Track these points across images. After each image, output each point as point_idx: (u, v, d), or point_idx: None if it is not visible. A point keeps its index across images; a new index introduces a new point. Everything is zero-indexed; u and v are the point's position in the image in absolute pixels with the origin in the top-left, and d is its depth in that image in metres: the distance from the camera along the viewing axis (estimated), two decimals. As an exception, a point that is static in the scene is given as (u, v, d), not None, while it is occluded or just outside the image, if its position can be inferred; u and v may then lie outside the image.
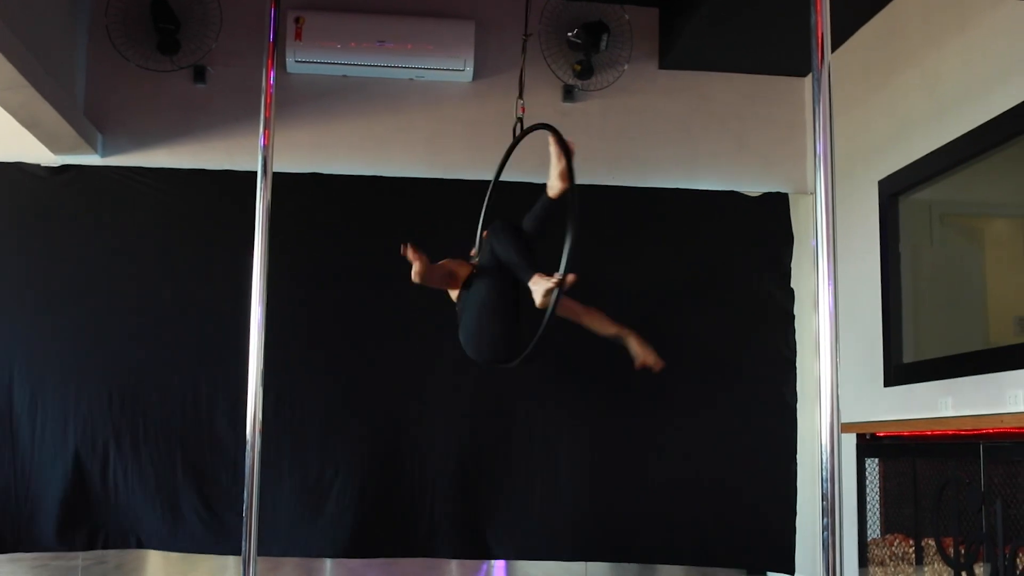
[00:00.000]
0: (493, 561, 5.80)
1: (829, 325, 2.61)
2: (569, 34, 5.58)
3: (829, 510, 2.40)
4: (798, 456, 5.60)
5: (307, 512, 5.32)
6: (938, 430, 4.28)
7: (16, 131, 5.08)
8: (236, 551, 5.18)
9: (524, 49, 4.80)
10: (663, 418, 5.54)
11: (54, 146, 5.30)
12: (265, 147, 3.61)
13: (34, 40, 4.61)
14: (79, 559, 5.38)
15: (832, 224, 2.70)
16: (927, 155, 4.64)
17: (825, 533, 2.40)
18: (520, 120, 4.41)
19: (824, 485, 2.42)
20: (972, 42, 4.36)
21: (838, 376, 2.60)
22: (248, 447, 3.51)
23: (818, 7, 2.82)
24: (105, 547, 5.24)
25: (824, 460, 2.44)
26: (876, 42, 5.16)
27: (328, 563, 5.73)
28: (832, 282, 2.65)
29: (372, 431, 5.40)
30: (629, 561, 5.64)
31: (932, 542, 4.23)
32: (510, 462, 5.46)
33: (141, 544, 5.24)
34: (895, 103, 4.96)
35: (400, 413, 5.42)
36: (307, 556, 5.48)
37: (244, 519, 3.46)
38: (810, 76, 5.83)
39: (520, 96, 4.59)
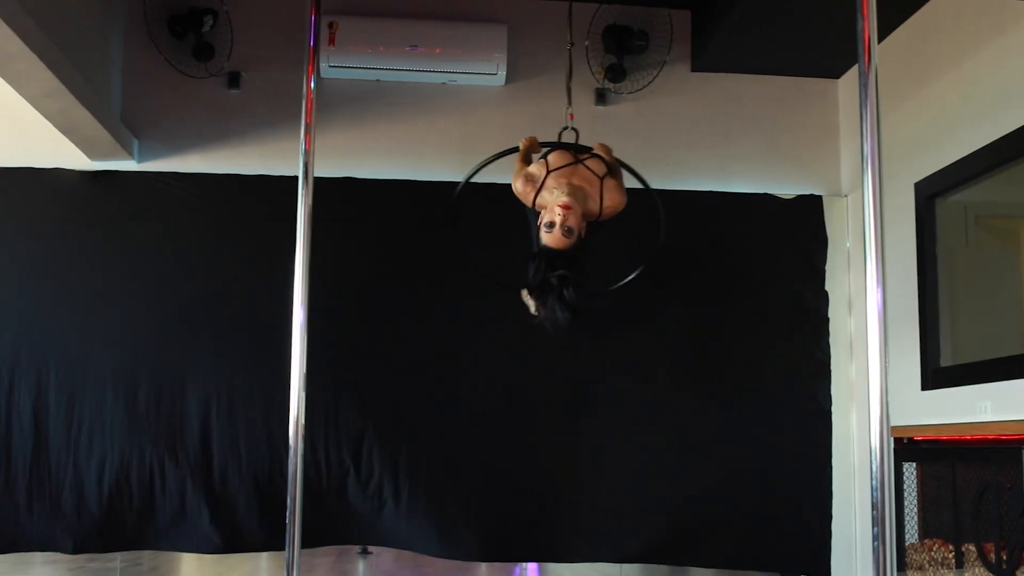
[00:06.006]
0: (526, 565, 5.81)
1: (878, 329, 2.57)
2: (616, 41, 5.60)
3: (880, 519, 2.37)
4: (833, 459, 5.58)
5: (343, 508, 5.34)
6: (977, 434, 4.26)
7: (54, 137, 5.13)
8: (270, 549, 5.30)
9: (570, 58, 4.81)
10: (696, 421, 5.51)
11: (91, 152, 5.35)
12: (307, 152, 3.63)
13: (72, 48, 4.64)
14: (117, 560, 5.43)
15: (880, 226, 2.67)
16: (965, 157, 4.60)
17: (875, 543, 2.37)
18: (574, 130, 4.42)
19: (874, 493, 2.39)
20: (1009, 45, 4.32)
21: (887, 382, 2.56)
22: (291, 451, 3.53)
23: (864, 9, 2.77)
24: (144, 548, 5.28)
25: (874, 468, 2.41)
26: (912, 44, 5.12)
27: (360, 564, 5.76)
28: (881, 285, 2.61)
29: (409, 432, 5.41)
30: (663, 563, 5.63)
31: (972, 547, 4.20)
32: (542, 465, 5.45)
33: (180, 548, 5.29)
34: (932, 105, 4.93)
35: (436, 415, 5.42)
36: (342, 544, 5.51)
37: (288, 521, 3.48)
38: (842, 79, 5.88)
39: (569, 103, 4.60)
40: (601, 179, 4.04)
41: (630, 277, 4.58)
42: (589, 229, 4.06)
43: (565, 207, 3.81)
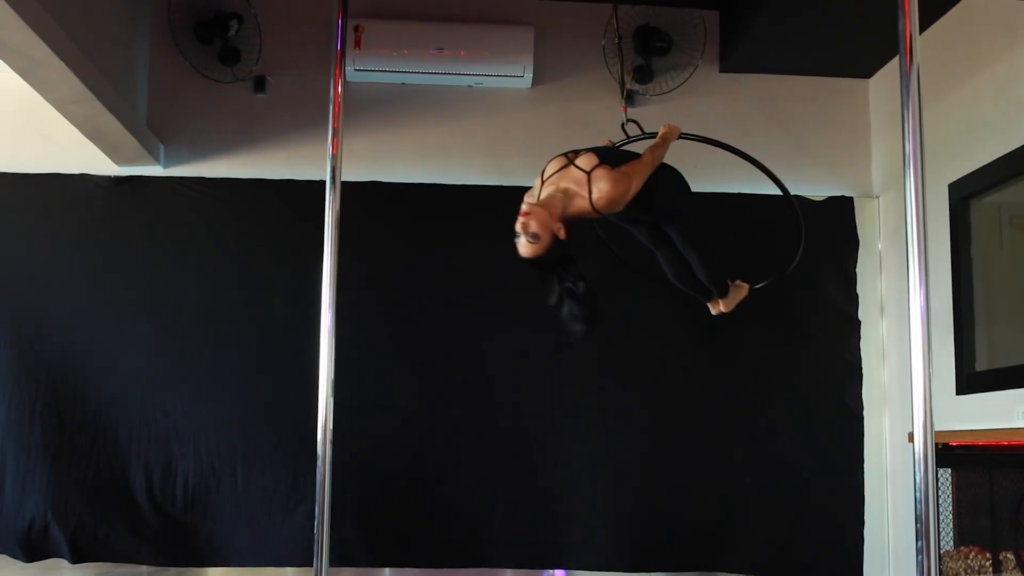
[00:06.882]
0: (554, 571, 5.75)
1: (921, 333, 2.50)
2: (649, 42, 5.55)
3: (924, 532, 2.30)
4: (864, 464, 5.50)
5: (368, 522, 5.31)
6: (1015, 440, 4.18)
7: (81, 143, 5.14)
8: (297, 563, 5.26)
9: (620, 51, 4.76)
10: (726, 427, 5.47)
11: (117, 157, 5.35)
12: (334, 156, 3.58)
13: (98, 53, 4.64)
14: (143, 568, 5.40)
15: (923, 227, 2.59)
16: (999, 158, 4.53)
17: (919, 556, 2.30)
18: (634, 122, 4.35)
19: (918, 506, 2.32)
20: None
21: (927, 386, 2.48)
22: (320, 459, 3.48)
23: (906, 7, 2.68)
24: (169, 564, 5.29)
25: (918, 479, 2.34)
26: (945, 44, 5.04)
27: (386, 571, 5.71)
28: (924, 287, 2.53)
29: (431, 440, 5.38)
30: (692, 570, 5.57)
31: (1010, 555, 4.13)
32: (570, 473, 5.42)
33: (204, 562, 5.28)
34: (966, 106, 4.85)
35: (460, 422, 5.40)
36: (366, 566, 5.46)
37: (315, 532, 3.43)
38: (873, 78, 5.80)
39: (623, 96, 4.55)
40: (589, 173, 3.86)
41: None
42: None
43: (524, 214, 3.64)
